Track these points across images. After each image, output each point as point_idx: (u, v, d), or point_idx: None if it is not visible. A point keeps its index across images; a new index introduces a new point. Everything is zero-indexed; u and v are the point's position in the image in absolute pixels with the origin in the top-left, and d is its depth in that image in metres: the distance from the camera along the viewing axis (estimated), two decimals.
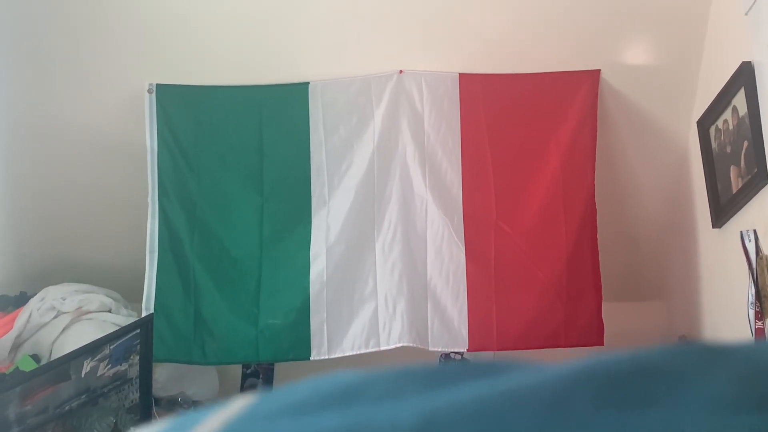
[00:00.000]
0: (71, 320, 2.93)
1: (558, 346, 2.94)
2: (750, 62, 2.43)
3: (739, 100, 2.49)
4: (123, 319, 3.01)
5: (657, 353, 0.34)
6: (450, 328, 2.98)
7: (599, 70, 2.99)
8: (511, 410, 0.31)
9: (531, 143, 3.03)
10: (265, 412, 0.35)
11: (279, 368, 3.36)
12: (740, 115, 2.51)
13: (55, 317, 2.94)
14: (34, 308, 2.92)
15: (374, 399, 0.34)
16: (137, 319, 2.91)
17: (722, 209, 2.70)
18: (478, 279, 2.99)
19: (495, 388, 0.33)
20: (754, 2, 2.36)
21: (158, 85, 3.02)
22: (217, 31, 2.96)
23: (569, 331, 2.95)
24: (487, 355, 2.96)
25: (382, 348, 2.95)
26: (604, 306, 2.97)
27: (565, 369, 0.33)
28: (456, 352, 3.08)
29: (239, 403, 0.36)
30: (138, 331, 2.76)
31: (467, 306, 2.98)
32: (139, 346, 2.78)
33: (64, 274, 3.19)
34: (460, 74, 3.01)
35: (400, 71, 3.02)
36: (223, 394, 3.19)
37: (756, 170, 2.38)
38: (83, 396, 2.58)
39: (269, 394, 0.37)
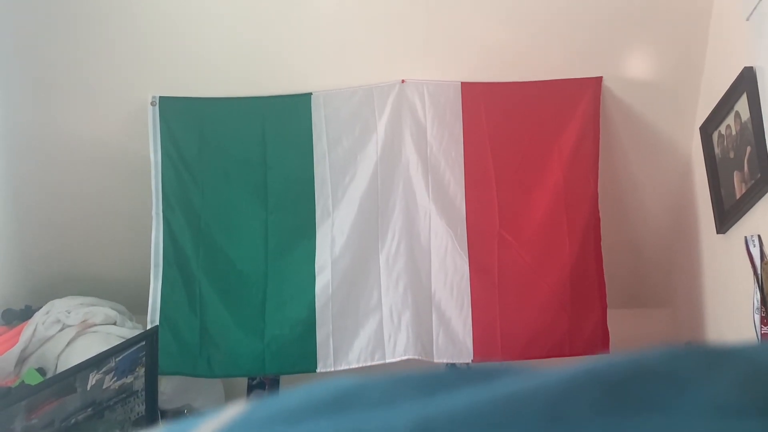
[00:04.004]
0: (76, 333, 2.93)
1: (563, 356, 2.91)
2: (752, 67, 2.42)
3: (742, 106, 2.49)
4: (128, 331, 3.00)
5: (657, 356, 0.33)
6: (455, 339, 2.96)
7: (601, 78, 2.97)
8: (507, 416, 0.30)
9: (533, 151, 3.01)
10: (258, 419, 0.35)
11: (284, 380, 3.35)
12: (743, 120, 2.50)
13: (61, 330, 2.93)
14: (39, 322, 2.92)
15: (368, 405, 0.33)
16: (142, 331, 2.91)
17: (726, 215, 2.68)
18: (482, 290, 2.98)
19: (491, 393, 0.32)
20: (756, 7, 2.36)
21: (161, 98, 3.02)
22: (220, 42, 2.96)
23: (574, 341, 2.93)
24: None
25: (388, 360, 2.94)
26: (609, 313, 2.95)
27: (563, 374, 0.32)
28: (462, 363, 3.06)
29: (232, 411, 0.35)
30: (143, 343, 2.76)
31: (471, 317, 2.96)
32: (144, 359, 2.78)
33: (69, 288, 3.19)
34: (462, 83, 3.00)
35: (402, 81, 3.01)
36: None
37: (759, 175, 2.38)
38: (89, 409, 2.58)
39: (262, 402, 0.36)
